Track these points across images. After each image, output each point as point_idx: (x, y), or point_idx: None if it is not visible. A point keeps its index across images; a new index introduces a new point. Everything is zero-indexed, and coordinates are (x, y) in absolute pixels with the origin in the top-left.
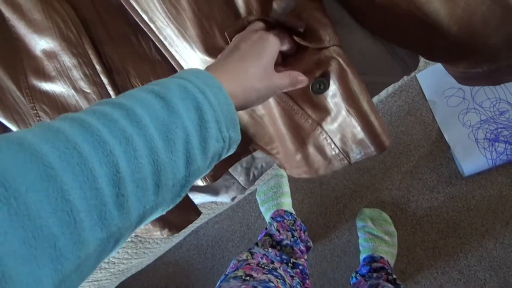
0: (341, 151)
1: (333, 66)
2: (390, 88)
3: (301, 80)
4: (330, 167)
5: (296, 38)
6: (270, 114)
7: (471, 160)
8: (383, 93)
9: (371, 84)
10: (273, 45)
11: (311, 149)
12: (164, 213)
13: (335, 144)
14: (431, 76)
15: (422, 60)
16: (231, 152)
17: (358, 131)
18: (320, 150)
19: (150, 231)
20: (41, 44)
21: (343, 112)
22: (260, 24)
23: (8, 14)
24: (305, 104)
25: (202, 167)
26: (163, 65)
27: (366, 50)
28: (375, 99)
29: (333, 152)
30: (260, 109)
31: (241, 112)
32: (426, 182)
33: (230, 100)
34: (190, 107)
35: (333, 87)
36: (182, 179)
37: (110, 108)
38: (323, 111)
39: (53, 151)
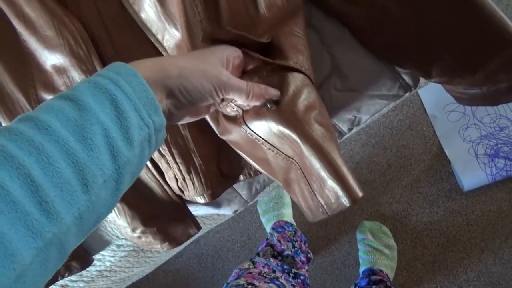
0: (319, 199)
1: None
2: (392, 103)
3: (266, 92)
4: (311, 215)
5: (255, 55)
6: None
7: (471, 175)
8: (385, 108)
9: (371, 101)
10: (227, 47)
11: (294, 185)
12: (111, 211)
13: (310, 186)
14: (432, 91)
15: None
16: (162, 136)
17: (329, 179)
18: (301, 192)
19: (151, 244)
20: (51, 59)
21: (311, 157)
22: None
23: (21, 29)
24: (266, 137)
25: (131, 157)
26: None
27: (367, 68)
28: (376, 113)
29: (311, 196)
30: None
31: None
32: (426, 196)
33: (146, 85)
34: (104, 100)
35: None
36: (114, 173)
37: (16, 122)
38: (288, 145)
39: None
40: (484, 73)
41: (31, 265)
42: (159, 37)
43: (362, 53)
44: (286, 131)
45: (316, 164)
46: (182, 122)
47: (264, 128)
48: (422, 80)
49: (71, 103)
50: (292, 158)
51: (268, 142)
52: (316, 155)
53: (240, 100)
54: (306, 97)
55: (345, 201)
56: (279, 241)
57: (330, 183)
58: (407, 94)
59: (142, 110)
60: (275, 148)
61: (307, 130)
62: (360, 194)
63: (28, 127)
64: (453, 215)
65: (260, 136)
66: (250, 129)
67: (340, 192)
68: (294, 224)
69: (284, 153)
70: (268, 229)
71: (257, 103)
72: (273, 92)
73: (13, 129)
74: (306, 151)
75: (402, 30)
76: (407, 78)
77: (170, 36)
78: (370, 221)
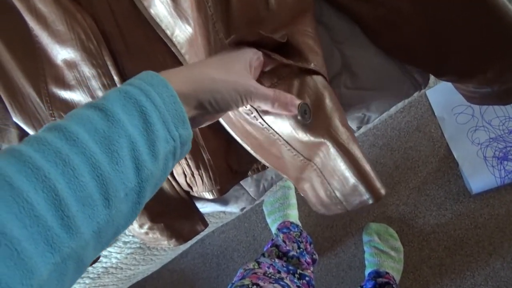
0: (339, 196)
1: (319, 100)
2: (400, 104)
3: (291, 103)
4: (324, 209)
5: (277, 57)
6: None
7: (479, 178)
8: (393, 108)
9: (381, 100)
10: (248, 52)
11: (306, 185)
12: (131, 224)
13: (328, 183)
14: (441, 93)
15: (432, 77)
16: (188, 148)
17: (351, 178)
18: (313, 190)
19: (158, 240)
20: (62, 54)
21: (330, 150)
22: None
23: (32, 24)
24: (295, 142)
25: (155, 171)
26: None
27: (377, 67)
28: (385, 114)
29: (326, 194)
30: (264, 132)
31: None
32: (434, 198)
33: (177, 99)
34: (133, 112)
35: (318, 123)
36: (136, 187)
37: (46, 131)
38: (311, 148)
39: None
40: (495, 72)
41: (48, 280)
42: (169, 32)
43: (372, 51)
44: (315, 140)
45: (341, 166)
46: (201, 126)
47: (288, 132)
48: (431, 80)
49: (101, 113)
50: (310, 160)
51: (289, 144)
52: (343, 158)
53: (265, 108)
54: (330, 100)
55: (368, 199)
56: (285, 242)
57: (353, 181)
58: (417, 93)
59: (170, 122)
60: (296, 150)
61: (335, 135)
62: (383, 192)
63: (57, 137)
64: (460, 218)
65: (282, 138)
66: (271, 128)
67: (363, 190)
68: (300, 225)
69: (303, 156)
70: (273, 229)
71: (282, 112)
72: (297, 102)
73: (42, 139)
74: (333, 154)
75: (413, 29)
76: (417, 77)
77: (181, 31)
78: (376, 223)
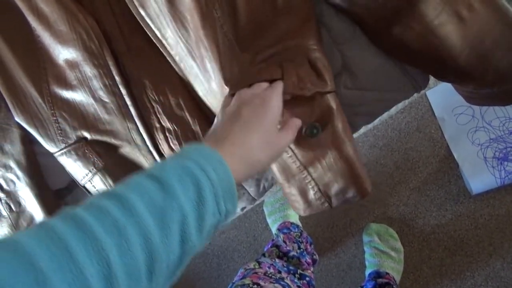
0: (324, 195)
1: (328, 114)
2: (400, 104)
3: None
4: (308, 210)
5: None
6: None
7: (480, 178)
8: (393, 109)
9: (382, 100)
10: (276, 110)
11: (294, 190)
12: None
13: (318, 188)
14: (441, 93)
15: (432, 77)
16: (229, 222)
17: (344, 177)
18: (303, 193)
19: None
20: (64, 54)
21: (332, 159)
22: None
23: (35, 24)
24: (296, 146)
25: (197, 243)
26: (180, 77)
27: (378, 67)
28: (385, 114)
29: (315, 196)
30: None
31: None
32: (434, 199)
33: (230, 175)
34: (189, 185)
35: (324, 134)
36: (177, 259)
37: (105, 199)
38: (312, 156)
39: (45, 252)
40: (495, 73)
41: None
42: (159, 34)
43: (372, 52)
44: (326, 152)
45: (338, 172)
46: None
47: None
48: (431, 80)
49: (158, 185)
50: (305, 168)
51: (291, 150)
52: (344, 169)
53: None
54: (341, 115)
55: (355, 196)
56: (285, 242)
57: (345, 183)
58: (417, 94)
59: (220, 197)
60: (295, 156)
61: (344, 148)
62: (370, 190)
63: (116, 206)
64: (461, 219)
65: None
66: None
67: (353, 189)
68: (300, 225)
69: (300, 162)
70: (274, 230)
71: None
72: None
73: (102, 208)
74: (336, 165)
75: (413, 32)
76: (417, 77)
77: (173, 33)
78: (376, 224)
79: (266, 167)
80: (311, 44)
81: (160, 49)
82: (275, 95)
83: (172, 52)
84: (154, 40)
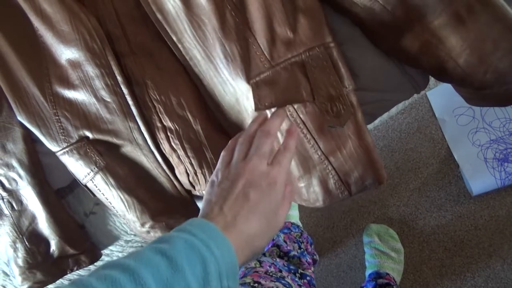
0: (344, 184)
1: (351, 107)
2: (401, 105)
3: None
4: (328, 199)
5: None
6: (279, 139)
7: (480, 179)
8: (394, 110)
9: (382, 101)
10: (281, 190)
11: (315, 181)
12: None
13: (339, 177)
14: (441, 94)
15: (432, 78)
16: None
17: (363, 165)
18: (323, 183)
19: None
20: (66, 54)
21: (352, 148)
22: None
23: (37, 24)
24: (318, 136)
25: None
26: (184, 75)
27: (377, 68)
28: (386, 115)
29: (336, 185)
30: None
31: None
32: (434, 200)
33: (234, 254)
34: (195, 261)
35: (346, 125)
36: None
37: (118, 272)
38: (333, 145)
39: None
40: (495, 74)
41: None
42: (175, 38)
43: (372, 52)
44: (347, 141)
45: (358, 160)
46: None
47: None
48: (431, 81)
49: (167, 260)
50: (326, 157)
51: (314, 139)
52: (363, 157)
53: None
54: (359, 106)
55: (373, 183)
56: (285, 242)
57: (364, 169)
58: (417, 95)
59: (224, 274)
60: (317, 145)
61: (365, 137)
62: (385, 176)
63: (129, 280)
64: (461, 220)
65: (309, 131)
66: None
67: (371, 176)
68: (301, 225)
69: (322, 151)
70: None
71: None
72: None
73: (115, 280)
74: (356, 153)
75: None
76: (417, 78)
77: (189, 37)
78: (377, 224)
79: (266, 245)
80: (329, 42)
81: (175, 52)
82: (282, 175)
83: (187, 56)
84: (169, 44)
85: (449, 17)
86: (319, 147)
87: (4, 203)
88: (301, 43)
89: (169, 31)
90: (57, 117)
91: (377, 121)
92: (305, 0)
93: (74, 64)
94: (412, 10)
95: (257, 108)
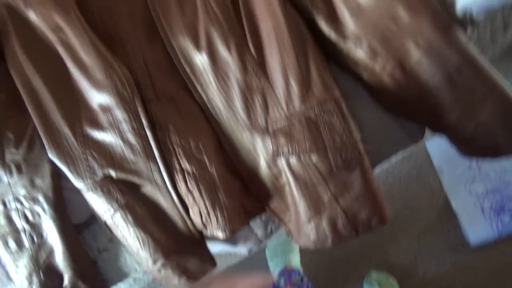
0: (351, 223)
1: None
2: (400, 153)
3: None
4: (337, 239)
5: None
6: (291, 182)
7: (477, 229)
8: (393, 158)
9: (381, 151)
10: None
11: (324, 221)
12: None
13: (347, 217)
14: (440, 144)
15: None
16: None
17: (369, 206)
18: (332, 223)
19: (169, 278)
20: (98, 98)
21: (359, 191)
22: None
23: (74, 70)
24: (329, 178)
25: None
26: (204, 122)
27: (377, 121)
28: (385, 163)
29: (343, 225)
30: (283, 178)
31: (266, 177)
32: (434, 248)
33: None
34: None
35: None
36: None
37: None
38: (342, 188)
39: None
40: (482, 128)
41: None
42: (199, 88)
43: (373, 107)
44: (355, 183)
45: (365, 201)
46: None
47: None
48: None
49: None
50: (335, 198)
51: (325, 181)
52: (370, 199)
53: None
54: (366, 152)
55: (377, 222)
56: (286, 286)
57: (369, 210)
58: (415, 145)
59: None
60: (328, 186)
61: (371, 180)
62: (388, 216)
63: None
64: (460, 268)
65: (321, 174)
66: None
67: (376, 216)
68: (302, 270)
69: (331, 192)
70: (275, 274)
71: None
72: None
73: None
74: (364, 195)
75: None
76: (414, 130)
77: (214, 90)
78: (377, 272)
79: None
80: (339, 96)
81: (198, 100)
82: None
83: (209, 105)
84: (193, 93)
85: (441, 78)
86: (329, 189)
87: (25, 236)
88: (314, 97)
89: (194, 82)
90: (85, 156)
91: (377, 169)
92: (316, 58)
93: (105, 108)
94: (411, 76)
95: (275, 155)
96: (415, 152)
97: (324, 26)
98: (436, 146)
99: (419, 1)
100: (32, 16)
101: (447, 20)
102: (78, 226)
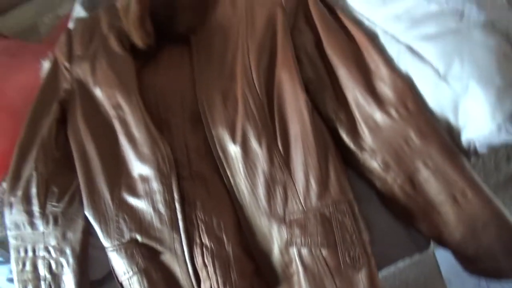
0: None
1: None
2: (408, 258)
3: None
4: None
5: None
6: (300, 272)
7: None
8: (401, 262)
9: (387, 255)
10: None
11: None
12: None
13: None
14: (449, 255)
15: None
16: None
17: None
18: None
19: None
20: (140, 169)
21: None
22: None
23: (124, 142)
24: (336, 274)
25: None
26: (228, 202)
27: (386, 226)
28: (392, 267)
29: None
30: (293, 267)
31: (277, 263)
32: None
33: None
34: None
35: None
36: None
37: None
38: (348, 285)
39: None
40: (485, 250)
41: None
42: (229, 173)
43: (383, 212)
44: (360, 282)
45: None
46: None
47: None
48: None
49: None
50: None
51: (332, 275)
52: None
53: None
54: (372, 254)
55: None
56: None
57: None
58: (420, 254)
59: None
60: (333, 280)
61: (376, 281)
62: None
63: None
64: None
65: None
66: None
67: None
68: None
69: (337, 286)
70: None
71: None
72: None
73: None
74: None
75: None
76: (420, 240)
77: (244, 180)
78: None
79: None
80: (352, 199)
81: (226, 183)
82: None
83: (235, 188)
84: (223, 176)
85: (447, 197)
86: (335, 284)
87: (45, 284)
88: (330, 196)
89: (226, 167)
90: (117, 218)
91: (384, 272)
92: (335, 163)
93: (144, 178)
94: (419, 191)
95: (288, 244)
96: (424, 258)
97: (345, 136)
98: (445, 255)
99: (429, 129)
100: (98, 92)
101: (453, 149)
102: (93, 283)
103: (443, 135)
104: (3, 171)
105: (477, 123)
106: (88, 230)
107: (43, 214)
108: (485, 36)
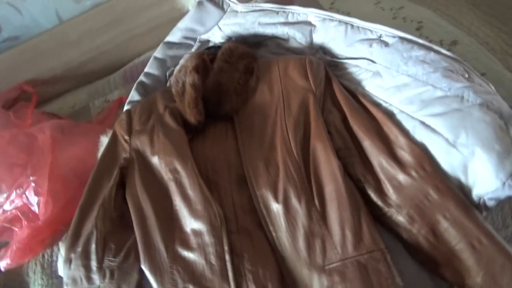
0: None
1: None
2: None
3: None
4: None
5: None
6: None
7: None
8: None
9: None
10: None
11: None
12: None
13: None
14: None
15: None
16: None
17: None
18: None
19: None
20: (193, 225)
21: None
22: None
23: (178, 202)
24: None
25: None
26: (271, 254)
27: (412, 274)
28: None
29: None
30: None
31: None
32: None
33: None
34: None
35: None
36: None
37: None
38: None
39: None
40: None
41: None
42: (271, 228)
43: (410, 261)
44: None
45: None
46: None
47: None
48: None
49: None
50: None
51: None
52: None
53: None
54: None
55: None
56: None
57: None
58: None
59: None
60: None
61: None
62: None
63: None
64: None
65: None
66: None
67: None
68: None
69: None
70: None
71: None
72: None
73: None
74: None
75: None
76: (445, 286)
77: (285, 234)
78: None
79: None
80: (384, 248)
81: (268, 237)
82: None
83: (277, 241)
84: (266, 230)
85: (465, 245)
86: None
87: None
88: (364, 246)
89: (268, 222)
90: (171, 270)
91: None
92: (366, 216)
93: (196, 233)
94: (441, 240)
95: None
96: None
97: (373, 195)
98: None
99: (445, 187)
100: (155, 160)
101: (467, 202)
102: None
103: (457, 191)
104: (52, 233)
105: (484, 181)
106: (141, 284)
107: (100, 269)
108: (483, 114)
